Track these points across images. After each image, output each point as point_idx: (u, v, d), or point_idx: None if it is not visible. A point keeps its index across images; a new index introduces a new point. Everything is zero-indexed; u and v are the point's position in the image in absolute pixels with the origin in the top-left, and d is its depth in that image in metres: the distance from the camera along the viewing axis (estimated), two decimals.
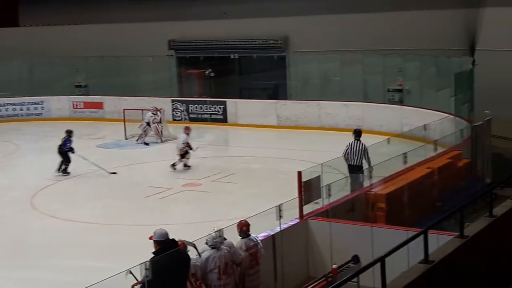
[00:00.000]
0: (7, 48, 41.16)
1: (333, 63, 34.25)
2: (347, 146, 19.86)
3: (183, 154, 25.04)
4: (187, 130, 25.52)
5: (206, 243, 11.56)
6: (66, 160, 25.25)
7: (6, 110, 38.48)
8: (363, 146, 19.65)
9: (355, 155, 19.54)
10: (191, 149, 25.20)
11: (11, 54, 40.88)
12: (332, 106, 32.41)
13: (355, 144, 19.74)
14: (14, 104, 38.55)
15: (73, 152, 25.25)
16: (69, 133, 25.50)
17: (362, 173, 18.90)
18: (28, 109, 38.47)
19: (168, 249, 10.26)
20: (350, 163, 19.57)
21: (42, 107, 38.53)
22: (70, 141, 25.36)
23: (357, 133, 20.09)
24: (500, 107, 24.99)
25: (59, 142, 25.42)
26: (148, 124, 30.60)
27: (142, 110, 32.37)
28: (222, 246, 11.52)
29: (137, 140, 30.80)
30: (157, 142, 30.53)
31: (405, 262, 9.97)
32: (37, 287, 15.52)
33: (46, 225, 19.69)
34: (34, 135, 34.25)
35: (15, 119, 37.95)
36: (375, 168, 17.77)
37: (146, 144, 30.36)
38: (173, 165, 25.15)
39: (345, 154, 19.67)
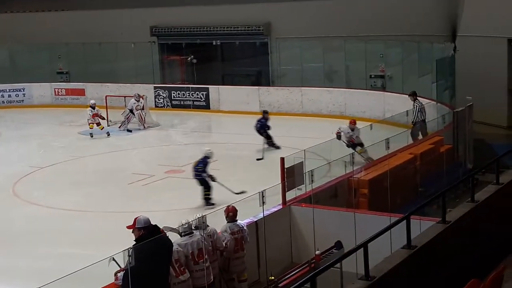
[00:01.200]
0: None
1: (315, 50, 34.24)
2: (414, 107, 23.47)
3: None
4: (351, 124, 23.37)
5: (179, 232, 11.61)
6: (268, 138, 25.66)
7: None
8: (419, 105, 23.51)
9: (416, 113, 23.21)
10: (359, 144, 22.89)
11: None
12: (315, 93, 32.43)
13: (417, 104, 23.42)
14: None
15: (268, 129, 25.69)
16: (265, 113, 26.22)
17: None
18: (9, 96, 38.22)
19: (151, 235, 10.26)
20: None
21: (24, 94, 38.31)
22: (263, 123, 25.78)
23: (414, 94, 23.85)
24: (482, 93, 25.12)
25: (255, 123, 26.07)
26: (131, 111, 30.47)
27: (124, 97, 32.27)
28: (195, 232, 11.56)
29: (119, 127, 30.67)
30: (139, 129, 30.45)
31: (387, 248, 10.02)
32: (17, 274, 15.44)
33: (28, 213, 19.62)
34: (16, 122, 34.10)
35: None
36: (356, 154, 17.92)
37: (129, 131, 30.27)
38: None
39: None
